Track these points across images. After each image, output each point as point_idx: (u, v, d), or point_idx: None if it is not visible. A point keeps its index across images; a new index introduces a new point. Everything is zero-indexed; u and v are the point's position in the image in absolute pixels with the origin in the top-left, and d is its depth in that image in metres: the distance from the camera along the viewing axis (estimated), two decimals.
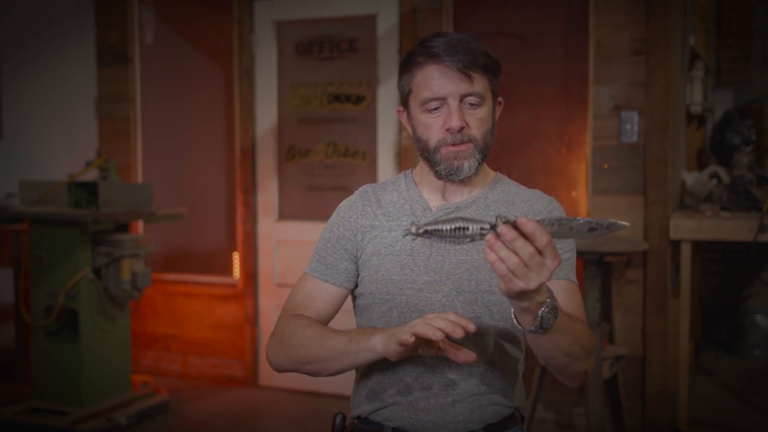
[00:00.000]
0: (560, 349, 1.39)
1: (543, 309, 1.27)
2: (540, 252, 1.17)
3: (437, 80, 1.51)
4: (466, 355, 1.36)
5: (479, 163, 1.56)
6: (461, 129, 1.51)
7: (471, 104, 1.53)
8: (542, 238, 1.16)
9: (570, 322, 1.40)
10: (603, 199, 3.61)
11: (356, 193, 1.69)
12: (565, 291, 1.53)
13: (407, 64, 1.58)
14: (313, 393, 4.18)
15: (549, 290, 1.29)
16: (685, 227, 3.46)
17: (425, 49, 1.54)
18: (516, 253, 1.16)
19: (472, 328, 1.29)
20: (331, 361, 1.49)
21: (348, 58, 4.17)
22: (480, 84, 1.53)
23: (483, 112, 1.54)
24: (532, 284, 1.19)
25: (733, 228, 3.42)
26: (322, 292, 1.64)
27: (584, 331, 1.48)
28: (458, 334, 1.28)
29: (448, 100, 1.52)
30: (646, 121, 3.51)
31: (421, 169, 1.64)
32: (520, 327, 1.32)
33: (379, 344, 1.38)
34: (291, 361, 1.57)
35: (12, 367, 4.33)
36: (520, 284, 1.19)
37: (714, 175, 3.97)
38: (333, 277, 1.63)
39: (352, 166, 4.19)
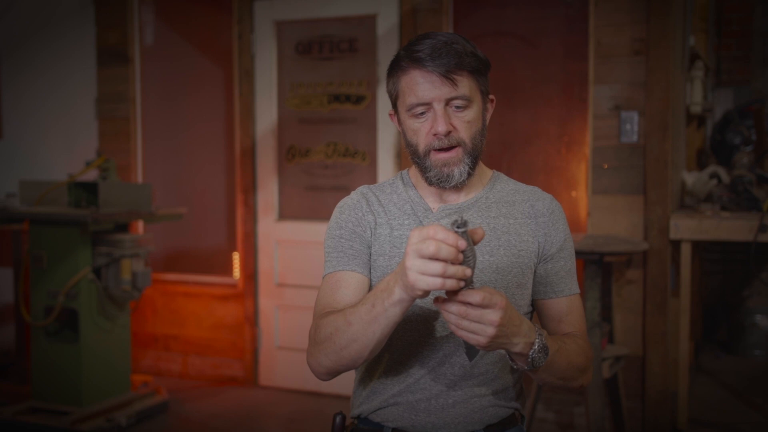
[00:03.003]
0: (554, 374, 1.47)
1: (533, 350, 1.36)
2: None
3: (421, 86, 1.50)
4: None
5: (470, 168, 1.54)
6: (448, 133, 1.50)
7: (457, 107, 1.51)
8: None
9: (564, 350, 1.45)
10: (603, 199, 3.61)
11: (354, 193, 1.67)
12: (566, 307, 1.59)
13: (393, 69, 1.56)
14: (313, 393, 4.18)
15: (537, 329, 1.37)
16: (685, 227, 3.46)
17: (409, 53, 1.52)
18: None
19: (462, 244, 1.21)
20: (364, 335, 1.37)
21: (348, 58, 4.17)
22: (465, 86, 1.51)
23: (471, 114, 1.52)
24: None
25: (733, 228, 3.42)
26: (351, 282, 1.54)
27: (580, 350, 1.52)
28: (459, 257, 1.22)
29: (433, 104, 1.50)
30: (646, 121, 3.51)
31: (417, 170, 1.62)
32: (514, 366, 1.40)
33: (402, 292, 1.28)
34: (329, 357, 1.44)
35: (12, 367, 4.34)
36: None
37: (714, 175, 3.97)
38: (359, 266, 1.55)
39: (352, 166, 4.19)
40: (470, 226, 1.25)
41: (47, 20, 4.78)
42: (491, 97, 1.61)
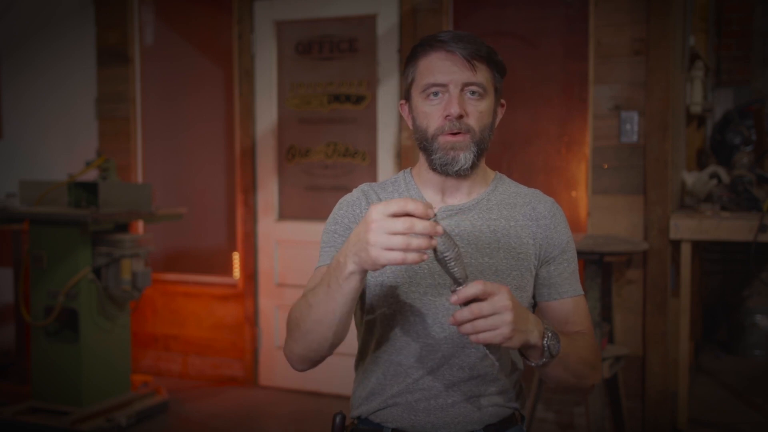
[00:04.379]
0: (567, 369, 1.47)
1: (546, 338, 1.37)
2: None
3: (440, 65, 1.50)
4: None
5: (475, 157, 1.53)
6: (460, 117, 1.50)
7: (472, 93, 1.51)
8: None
9: (573, 343, 1.47)
10: (603, 199, 3.61)
11: (356, 190, 1.66)
12: (572, 308, 1.59)
13: (413, 55, 1.57)
14: (313, 393, 4.18)
15: (542, 320, 1.39)
16: (685, 227, 3.46)
17: (431, 39, 1.53)
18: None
19: (431, 212, 1.21)
20: (325, 315, 1.37)
21: (348, 58, 4.17)
22: (483, 75, 1.51)
23: (484, 105, 1.53)
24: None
25: (733, 228, 3.42)
26: None
27: (589, 345, 1.54)
28: (427, 212, 1.22)
29: (449, 87, 1.50)
30: (646, 121, 3.51)
31: (420, 168, 1.62)
32: (531, 363, 1.41)
33: (354, 265, 1.29)
34: (297, 343, 1.46)
35: (12, 367, 4.33)
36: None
37: (714, 175, 3.97)
38: None
39: (352, 166, 4.19)
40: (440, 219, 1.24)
41: (47, 20, 4.78)
42: (502, 101, 1.61)
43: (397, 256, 1.21)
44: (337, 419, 1.61)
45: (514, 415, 1.62)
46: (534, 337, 1.35)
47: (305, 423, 3.82)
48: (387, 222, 1.21)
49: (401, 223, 1.20)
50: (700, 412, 3.79)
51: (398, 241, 1.20)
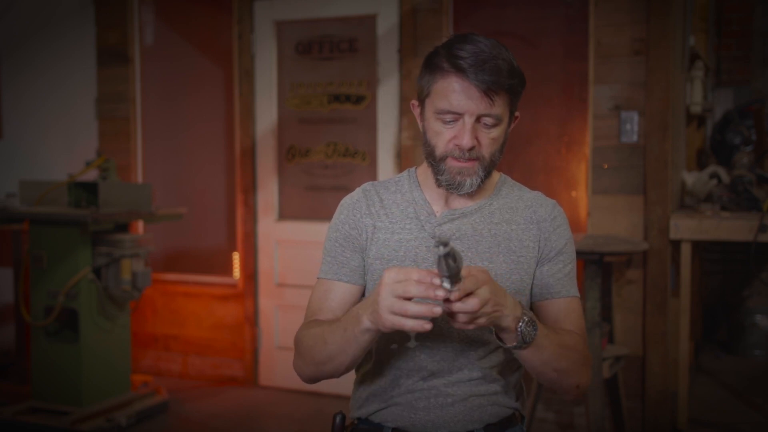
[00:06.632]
0: (547, 363, 1.46)
1: (521, 324, 1.37)
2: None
3: (457, 95, 1.47)
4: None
5: (482, 180, 1.54)
6: (471, 148, 1.49)
7: (486, 124, 1.50)
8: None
9: (555, 336, 1.46)
10: (603, 199, 3.61)
11: (358, 190, 1.66)
12: (563, 308, 1.58)
13: (431, 66, 1.52)
14: (313, 393, 4.18)
15: (522, 305, 1.39)
16: (685, 227, 3.46)
17: (452, 57, 1.48)
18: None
19: (440, 294, 1.25)
20: (339, 356, 1.45)
21: (348, 58, 4.17)
22: (500, 105, 1.49)
23: (497, 131, 1.51)
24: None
25: (733, 228, 3.42)
26: (337, 293, 1.58)
27: (575, 344, 1.51)
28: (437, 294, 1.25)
29: (464, 116, 1.48)
30: (646, 121, 3.51)
31: (426, 170, 1.61)
32: (504, 345, 1.41)
33: (369, 323, 1.34)
34: (309, 367, 1.53)
35: (12, 367, 4.33)
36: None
37: (714, 175, 3.97)
38: (347, 275, 1.58)
39: (352, 166, 4.19)
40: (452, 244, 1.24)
41: (47, 20, 4.78)
42: (516, 114, 1.59)
43: (402, 321, 1.26)
44: (337, 419, 1.61)
45: (514, 415, 1.62)
46: (506, 322, 1.35)
47: (305, 423, 3.82)
48: (394, 285, 1.27)
49: (402, 287, 1.26)
50: (700, 412, 3.79)
51: (401, 306, 1.26)
